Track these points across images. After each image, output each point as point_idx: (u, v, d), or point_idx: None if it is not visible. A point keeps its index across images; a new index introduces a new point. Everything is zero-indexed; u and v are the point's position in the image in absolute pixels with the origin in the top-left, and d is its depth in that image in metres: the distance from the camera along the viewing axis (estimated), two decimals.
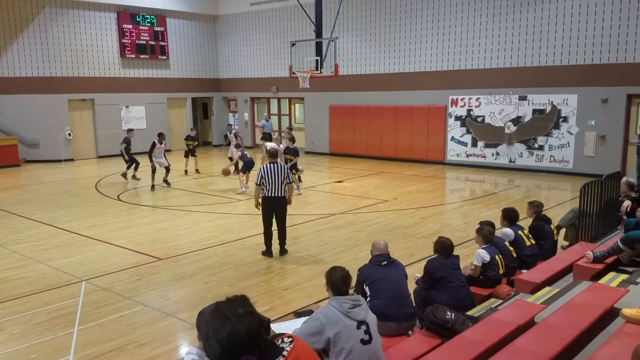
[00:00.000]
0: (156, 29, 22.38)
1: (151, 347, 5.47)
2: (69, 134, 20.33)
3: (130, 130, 16.27)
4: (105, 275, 7.62)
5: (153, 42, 22.35)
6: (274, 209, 8.25)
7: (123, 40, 21.40)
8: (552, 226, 7.05)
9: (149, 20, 22.11)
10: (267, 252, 8.42)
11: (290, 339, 2.01)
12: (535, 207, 7.13)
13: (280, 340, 1.99)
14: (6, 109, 19.56)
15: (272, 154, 8.46)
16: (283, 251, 8.48)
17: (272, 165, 8.13)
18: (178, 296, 6.89)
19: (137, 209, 12.13)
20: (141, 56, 22.05)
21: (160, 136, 14.97)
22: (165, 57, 22.82)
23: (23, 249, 8.98)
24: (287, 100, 23.25)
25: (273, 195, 8.11)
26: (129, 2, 21.26)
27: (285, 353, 1.92)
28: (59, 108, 20.09)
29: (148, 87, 22.41)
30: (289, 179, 8.24)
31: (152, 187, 14.38)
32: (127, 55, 21.60)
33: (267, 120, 22.02)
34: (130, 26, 21.57)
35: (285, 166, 8.33)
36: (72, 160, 20.42)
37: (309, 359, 2.02)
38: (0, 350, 5.39)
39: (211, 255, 8.49)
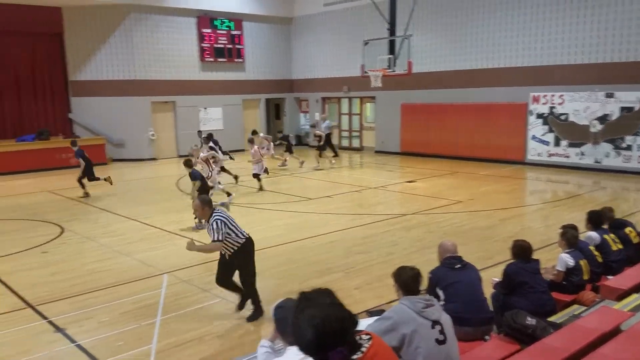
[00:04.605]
0: (233, 32, 23.07)
1: (227, 338, 5.67)
2: (153, 135, 21.40)
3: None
4: (186, 268, 7.96)
5: (230, 46, 23.05)
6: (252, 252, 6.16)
7: (202, 45, 22.24)
8: (629, 229, 6.53)
9: (226, 24, 22.83)
10: (258, 311, 6.22)
11: (368, 336, 2.01)
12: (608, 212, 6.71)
13: (358, 337, 2.00)
14: (94, 110, 20.90)
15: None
16: (242, 306, 6.34)
17: (221, 211, 6.00)
18: None
19: None
20: (219, 59, 22.82)
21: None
22: (241, 60, 23.47)
23: (110, 242, 9.57)
24: (359, 99, 23.24)
25: (248, 235, 6.12)
26: (208, 7, 22.10)
27: (364, 349, 1.92)
28: (143, 110, 21.20)
29: (225, 89, 23.16)
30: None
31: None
32: (206, 59, 22.42)
33: (325, 121, 21.66)
34: (209, 30, 22.37)
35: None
36: (154, 159, 21.50)
37: (386, 356, 2.01)
38: (92, 337, 5.78)
39: (282, 253, 8.64)
